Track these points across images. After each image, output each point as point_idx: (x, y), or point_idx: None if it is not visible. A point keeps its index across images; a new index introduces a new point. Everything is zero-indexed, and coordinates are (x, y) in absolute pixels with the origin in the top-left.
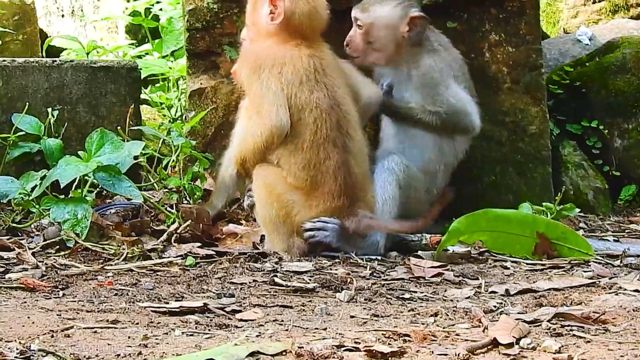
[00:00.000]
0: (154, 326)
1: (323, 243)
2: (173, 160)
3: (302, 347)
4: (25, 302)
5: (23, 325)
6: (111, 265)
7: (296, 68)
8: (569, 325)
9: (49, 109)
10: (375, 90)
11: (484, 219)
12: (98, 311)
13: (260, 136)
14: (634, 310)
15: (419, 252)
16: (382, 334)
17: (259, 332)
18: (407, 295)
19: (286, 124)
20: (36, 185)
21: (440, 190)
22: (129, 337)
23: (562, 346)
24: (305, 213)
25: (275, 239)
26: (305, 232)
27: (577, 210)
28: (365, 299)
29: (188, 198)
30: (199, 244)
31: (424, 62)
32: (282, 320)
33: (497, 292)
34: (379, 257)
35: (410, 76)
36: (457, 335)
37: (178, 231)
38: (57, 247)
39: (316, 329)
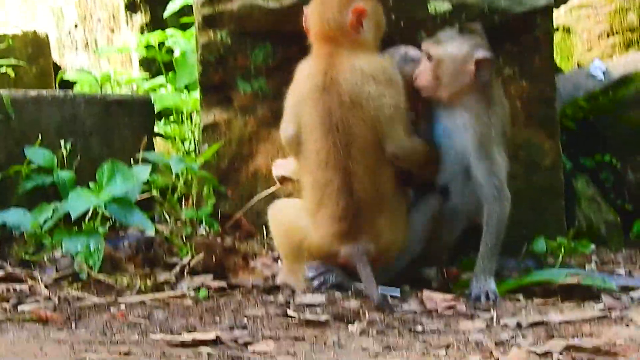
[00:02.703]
0: (167, 358)
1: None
2: (181, 187)
3: None
4: (38, 334)
5: (35, 357)
6: (124, 297)
7: (306, 84)
8: (580, 358)
9: (62, 142)
10: (400, 146)
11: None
12: (111, 343)
13: (281, 140)
14: None
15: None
16: None
17: None
18: (419, 328)
19: (291, 139)
20: (49, 218)
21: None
22: None
23: None
24: (312, 235)
25: (296, 270)
26: (311, 281)
27: (593, 246)
28: (377, 332)
29: (207, 229)
30: (212, 277)
31: (482, 116)
32: (295, 353)
33: (508, 325)
34: (398, 295)
35: (466, 127)
36: None
37: (191, 264)
38: (70, 279)
39: None
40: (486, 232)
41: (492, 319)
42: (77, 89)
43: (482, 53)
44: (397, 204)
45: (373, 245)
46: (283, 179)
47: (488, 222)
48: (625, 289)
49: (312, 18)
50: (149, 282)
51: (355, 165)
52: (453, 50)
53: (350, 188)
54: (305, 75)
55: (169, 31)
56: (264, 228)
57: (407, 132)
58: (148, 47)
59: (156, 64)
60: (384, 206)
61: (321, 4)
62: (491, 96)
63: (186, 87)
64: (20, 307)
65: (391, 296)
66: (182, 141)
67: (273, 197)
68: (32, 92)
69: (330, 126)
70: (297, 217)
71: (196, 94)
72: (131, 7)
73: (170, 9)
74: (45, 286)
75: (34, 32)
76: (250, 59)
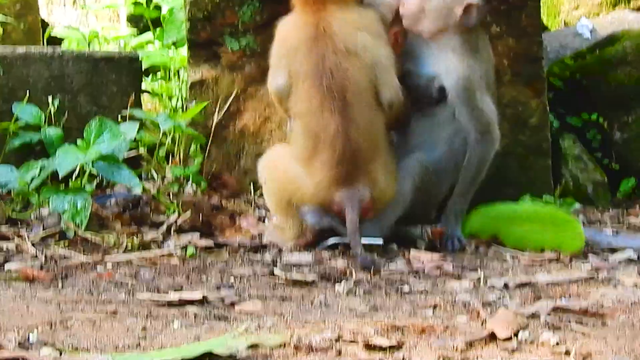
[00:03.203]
0: (153, 317)
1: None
2: (168, 143)
3: (301, 339)
4: (25, 293)
5: (22, 316)
6: (111, 256)
7: (296, 35)
8: (567, 319)
9: (50, 99)
10: (396, 94)
11: (495, 212)
12: (97, 302)
13: (270, 92)
14: (631, 304)
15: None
16: (381, 327)
17: (258, 324)
18: (406, 288)
19: (282, 88)
20: (36, 175)
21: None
22: (127, 329)
23: (560, 339)
24: (307, 184)
25: (288, 222)
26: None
27: (578, 205)
28: (364, 292)
29: (195, 187)
30: (199, 235)
31: (467, 60)
32: (281, 312)
33: (496, 285)
34: (381, 243)
35: (450, 71)
36: (456, 328)
37: (178, 222)
38: (57, 237)
39: (315, 321)
40: (463, 171)
41: (479, 279)
42: (65, 45)
43: None
44: (388, 150)
45: (368, 191)
46: None
47: (467, 161)
48: (613, 250)
49: None
50: (135, 241)
51: (351, 110)
52: None
53: (346, 133)
54: (293, 28)
55: None
56: (252, 186)
57: (398, 81)
58: (136, 3)
59: (144, 21)
60: (378, 152)
61: None
62: (477, 42)
63: (174, 44)
64: (6, 266)
65: (374, 245)
66: (170, 98)
67: (261, 153)
68: (20, 49)
69: (324, 72)
70: (289, 167)
71: (184, 51)
72: None
73: None
74: (32, 244)
75: None
76: (238, 16)
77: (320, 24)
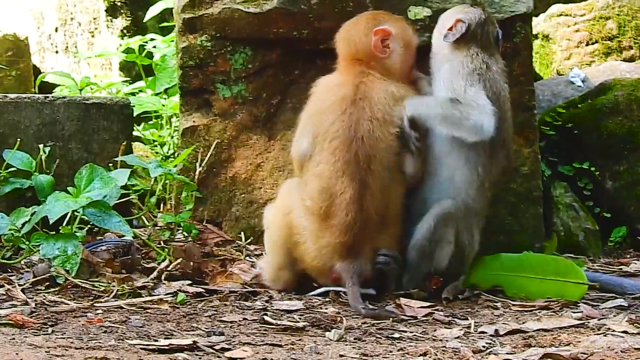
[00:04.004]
0: None
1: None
2: (160, 190)
3: None
4: (14, 339)
5: None
6: (101, 302)
7: (332, 94)
8: None
9: (41, 145)
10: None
11: (498, 262)
12: (87, 348)
13: (292, 158)
14: (621, 352)
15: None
16: None
17: None
18: (396, 335)
19: (305, 152)
20: (26, 221)
21: None
22: None
23: None
24: (311, 245)
25: (282, 268)
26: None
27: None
28: (354, 338)
29: (186, 234)
30: (189, 282)
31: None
32: (272, 359)
33: (486, 332)
34: (374, 293)
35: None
36: None
37: (168, 269)
38: (47, 283)
39: None
40: None
41: (469, 326)
42: (57, 92)
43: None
44: (399, 224)
45: (370, 266)
46: None
47: None
48: (603, 298)
49: (341, 42)
50: (126, 287)
51: (372, 179)
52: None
53: (361, 201)
54: (331, 87)
55: (149, 35)
56: (243, 233)
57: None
58: (128, 51)
59: (136, 68)
60: (388, 225)
61: (349, 28)
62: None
63: (166, 91)
64: None
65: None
66: (161, 145)
67: (252, 201)
68: (12, 96)
69: (355, 136)
70: (298, 221)
71: (176, 98)
72: (111, 12)
73: (151, 14)
74: (22, 290)
75: (14, 35)
76: (230, 64)
77: (361, 86)
